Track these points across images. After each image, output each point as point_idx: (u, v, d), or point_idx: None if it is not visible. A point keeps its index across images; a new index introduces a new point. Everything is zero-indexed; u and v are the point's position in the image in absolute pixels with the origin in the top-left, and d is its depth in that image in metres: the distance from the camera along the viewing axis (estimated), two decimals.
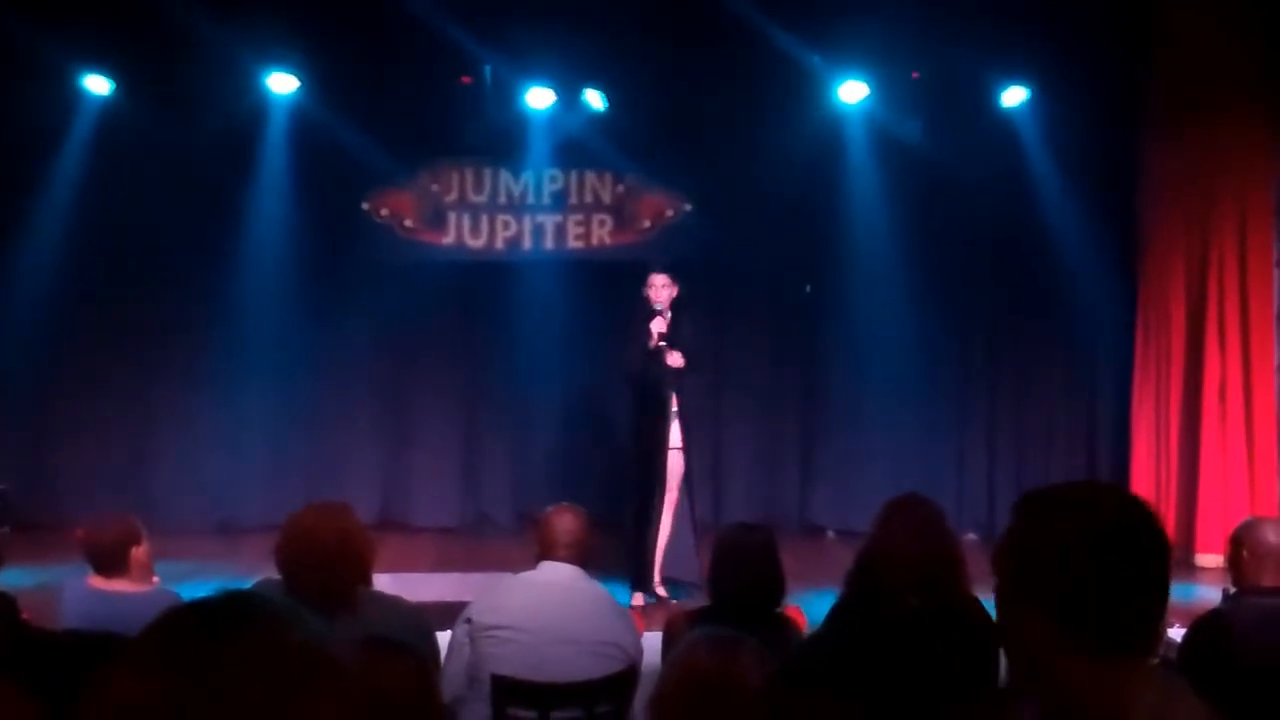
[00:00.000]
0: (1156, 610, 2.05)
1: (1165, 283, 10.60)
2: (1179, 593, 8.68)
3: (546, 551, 4.80)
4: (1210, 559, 9.59)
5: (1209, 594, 7.83)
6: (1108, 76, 10.71)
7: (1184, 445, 10.39)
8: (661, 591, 8.57)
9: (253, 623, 1.29)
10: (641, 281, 8.67)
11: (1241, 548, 4.82)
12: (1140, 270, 10.86)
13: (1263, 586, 4.74)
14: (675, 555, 8.60)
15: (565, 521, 4.83)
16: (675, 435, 8.53)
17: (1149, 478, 10.65)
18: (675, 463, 8.56)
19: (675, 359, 8.42)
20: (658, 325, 8.41)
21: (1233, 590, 4.91)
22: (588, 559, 4.86)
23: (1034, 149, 11.06)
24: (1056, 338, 11.78)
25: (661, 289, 8.51)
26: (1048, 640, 2.00)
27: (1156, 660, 4.50)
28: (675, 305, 8.53)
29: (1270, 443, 10.14)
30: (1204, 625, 4.67)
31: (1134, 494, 2.21)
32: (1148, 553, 2.05)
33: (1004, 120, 11.11)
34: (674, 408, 8.49)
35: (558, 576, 4.74)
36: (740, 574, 4.64)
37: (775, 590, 4.67)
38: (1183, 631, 4.82)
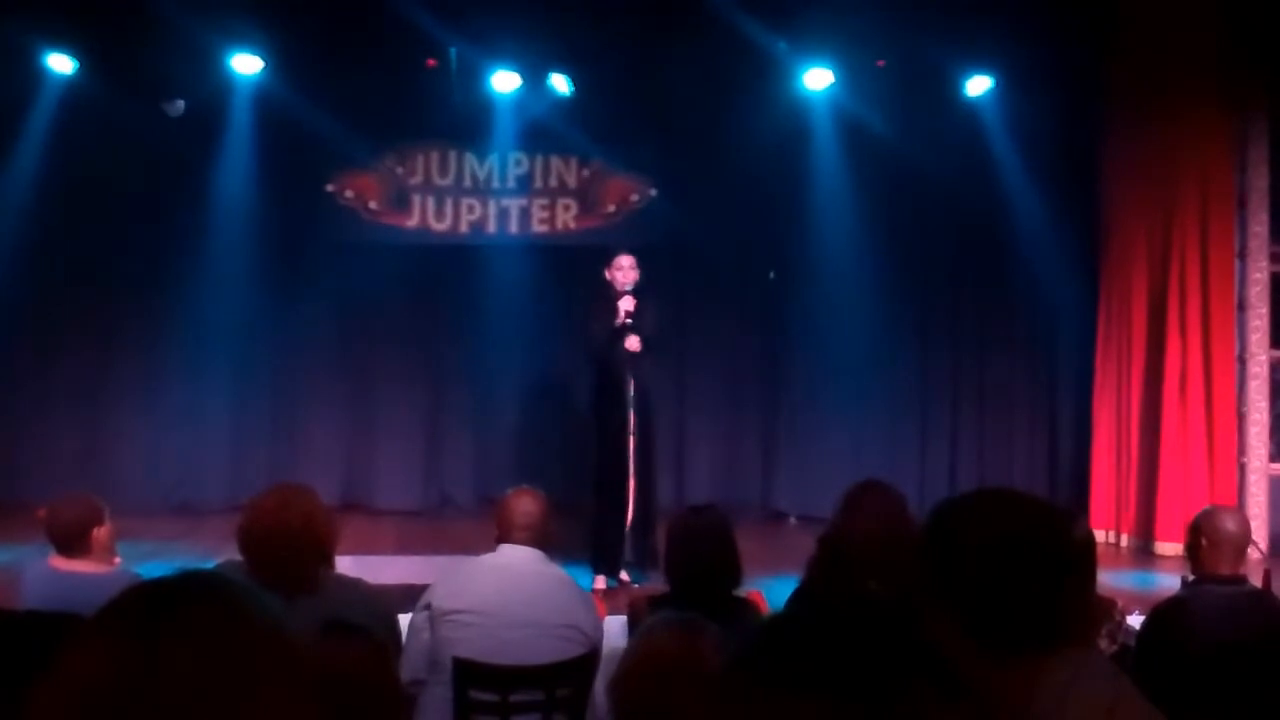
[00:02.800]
0: (1065, 610, 2.11)
1: (1127, 271, 10.66)
2: (1139, 581, 8.80)
3: (505, 534, 4.78)
4: (1170, 547, 9.66)
5: (1168, 582, 7.88)
6: (1071, 66, 10.75)
7: (1145, 433, 10.45)
8: (624, 575, 8.55)
9: (209, 602, 1.29)
10: (605, 264, 8.66)
11: (1200, 536, 4.86)
12: (1102, 258, 10.92)
13: (1221, 575, 4.78)
14: (631, 540, 8.59)
15: (524, 504, 4.81)
16: (631, 420, 8.48)
17: (1109, 465, 10.73)
18: (631, 447, 8.51)
19: (632, 343, 8.39)
20: (626, 304, 8.37)
21: (1191, 578, 4.95)
22: (547, 541, 4.84)
23: (998, 138, 11.12)
24: (1019, 326, 11.86)
25: (629, 270, 8.50)
26: (959, 641, 2.05)
27: (1115, 649, 4.54)
28: (637, 289, 8.52)
29: (1230, 432, 10.24)
30: (1163, 613, 4.71)
31: (1047, 501, 2.28)
32: (1053, 559, 2.13)
33: (968, 109, 11.16)
34: (631, 392, 8.45)
35: (517, 559, 4.73)
36: (694, 558, 4.65)
37: (730, 571, 4.68)
38: (1141, 619, 4.86)
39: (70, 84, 10.72)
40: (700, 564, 4.64)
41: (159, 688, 1.21)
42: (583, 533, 8.59)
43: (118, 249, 11.19)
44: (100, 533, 4.96)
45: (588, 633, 4.67)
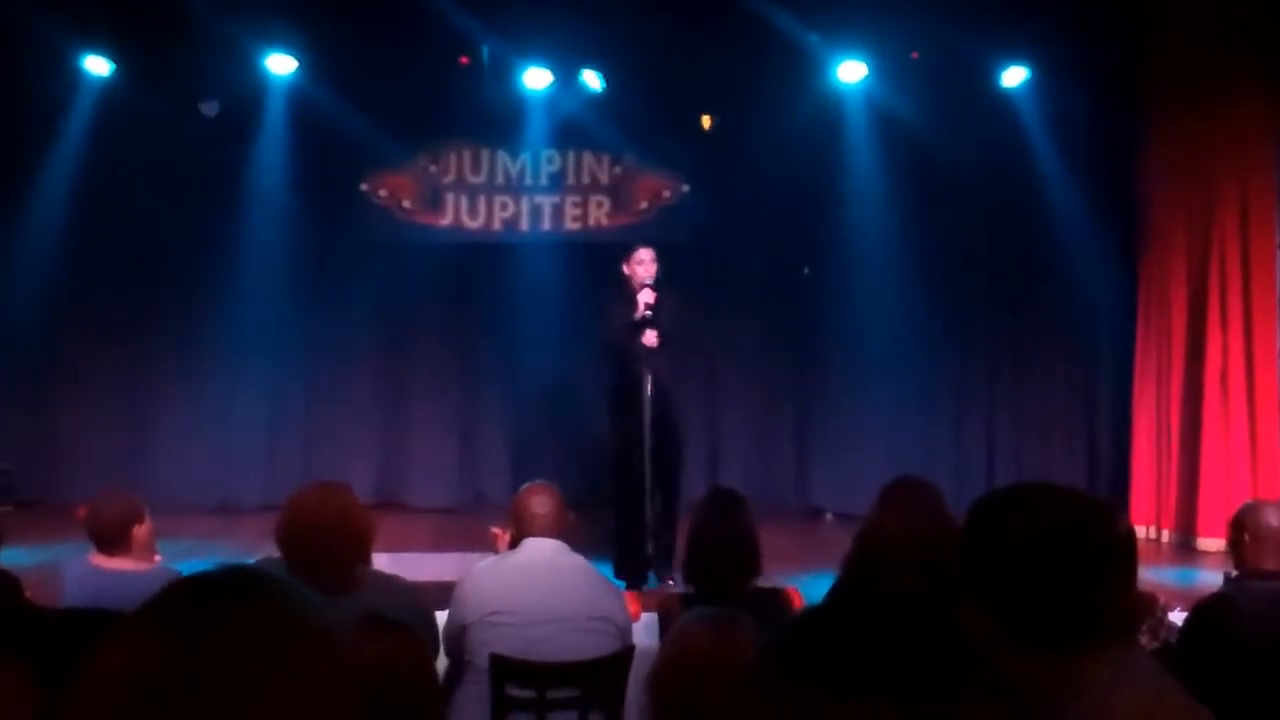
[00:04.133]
0: (1108, 606, 2.09)
1: (1166, 264, 10.57)
2: (1181, 576, 8.74)
3: (525, 530, 4.78)
4: (1212, 542, 9.57)
5: (1211, 578, 7.82)
6: (1108, 57, 10.67)
7: (1185, 428, 10.35)
8: (671, 582, 8.10)
9: (253, 595, 1.29)
10: (624, 258, 8.51)
11: (1243, 531, 4.82)
12: (1141, 252, 10.83)
13: (1264, 570, 4.73)
14: (651, 542, 8.23)
15: (538, 498, 4.82)
16: (647, 419, 8.13)
17: (1150, 460, 10.65)
18: (647, 446, 8.15)
19: (649, 338, 8.16)
20: (646, 297, 8.16)
21: (1234, 574, 4.91)
22: (566, 532, 4.85)
23: (1034, 129, 11.02)
24: (1056, 320, 11.77)
25: (649, 264, 8.32)
26: (998, 638, 2.03)
27: (1157, 645, 4.50)
28: (657, 283, 8.30)
29: (1272, 426, 10.11)
30: (1206, 609, 4.67)
31: (1089, 495, 2.25)
32: (1095, 553, 2.09)
33: (1004, 101, 11.06)
34: (648, 390, 8.13)
35: (541, 553, 4.72)
36: (703, 546, 4.66)
37: (739, 553, 4.66)
38: (1184, 615, 4.82)
39: (107, 86, 10.81)
40: (708, 550, 4.64)
41: (200, 684, 1.21)
42: (609, 532, 8.47)
43: (154, 249, 11.28)
44: (140, 530, 5.00)
45: (618, 623, 4.66)
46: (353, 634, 2.72)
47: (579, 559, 4.83)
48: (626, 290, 8.38)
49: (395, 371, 11.85)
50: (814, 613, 1.52)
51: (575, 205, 11.92)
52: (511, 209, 11.88)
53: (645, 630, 4.88)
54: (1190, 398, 10.34)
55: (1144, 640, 4.52)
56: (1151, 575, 8.23)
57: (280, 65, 10.77)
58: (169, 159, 10.95)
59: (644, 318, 8.19)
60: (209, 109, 10.75)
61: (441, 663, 4.50)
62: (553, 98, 11.22)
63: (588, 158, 11.92)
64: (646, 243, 8.61)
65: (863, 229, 11.35)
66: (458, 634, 4.59)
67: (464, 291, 11.84)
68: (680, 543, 7.96)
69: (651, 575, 8.29)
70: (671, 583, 8.13)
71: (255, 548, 7.92)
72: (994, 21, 10.40)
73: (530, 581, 4.63)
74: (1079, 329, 11.73)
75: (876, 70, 10.88)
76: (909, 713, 1.32)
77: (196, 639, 1.23)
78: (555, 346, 11.37)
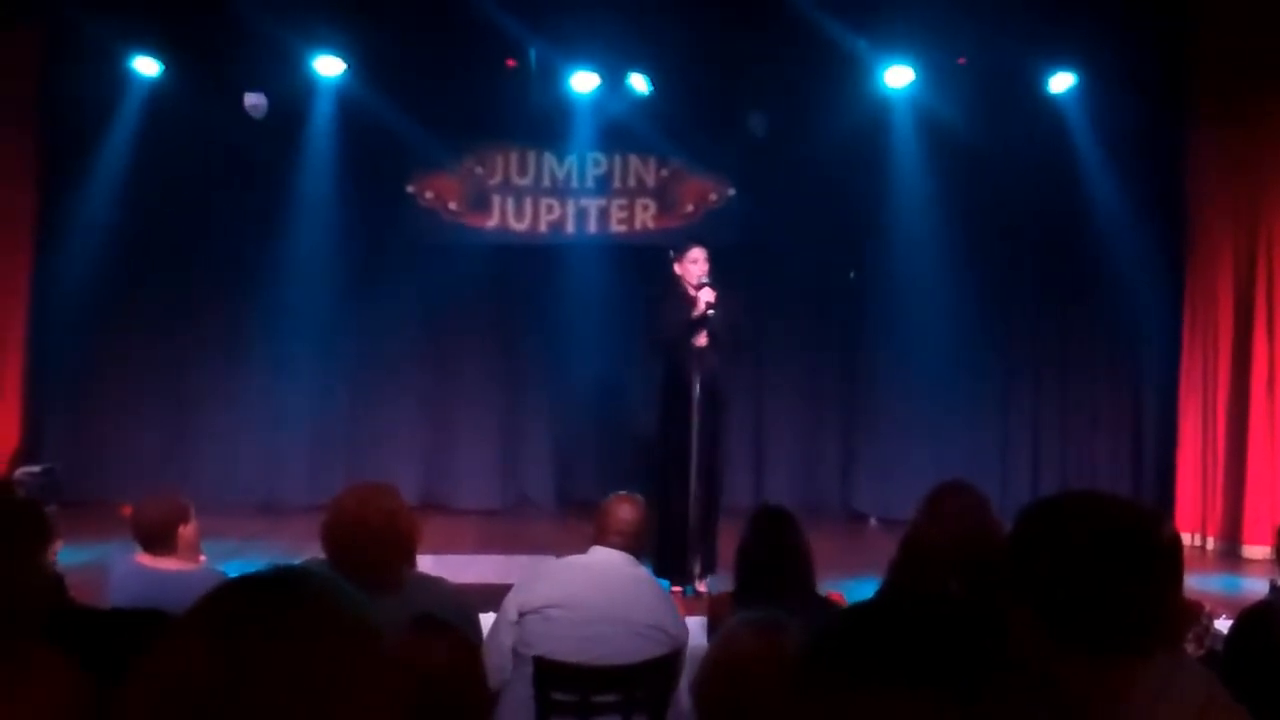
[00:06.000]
0: (1154, 612, 2.08)
1: (1213, 270, 10.49)
2: (1226, 584, 8.64)
3: (601, 537, 4.84)
4: (1257, 550, 9.51)
5: (1256, 585, 7.75)
6: (1155, 62, 10.62)
7: (1231, 435, 10.28)
8: (701, 587, 8.15)
9: (300, 597, 1.30)
10: (675, 258, 8.45)
11: None
12: (1188, 256, 10.77)
13: None
14: (692, 542, 8.20)
15: (624, 510, 4.88)
16: (695, 419, 8.10)
17: (1195, 467, 10.57)
18: (694, 447, 8.10)
19: (700, 338, 8.15)
20: (707, 295, 8.07)
21: None
22: (639, 548, 4.90)
23: (1081, 134, 10.99)
24: (1102, 324, 11.71)
25: (703, 263, 8.27)
26: (1044, 641, 2.03)
27: (1202, 653, 4.46)
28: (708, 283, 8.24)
29: None
30: (1250, 617, 4.61)
31: (1135, 502, 2.25)
32: (1140, 560, 2.09)
33: (1050, 106, 11.05)
34: (696, 390, 8.08)
35: (606, 560, 4.78)
36: (758, 559, 4.68)
37: (800, 565, 4.69)
38: (1229, 623, 4.77)
39: (156, 86, 10.90)
40: (762, 565, 4.67)
41: (249, 684, 1.22)
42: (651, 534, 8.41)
43: (201, 250, 11.35)
44: (186, 530, 5.02)
45: (671, 633, 4.68)
46: (405, 634, 2.74)
47: (643, 570, 4.89)
48: (677, 290, 8.35)
49: (440, 373, 11.89)
50: (852, 612, 1.52)
51: (621, 208, 11.93)
52: (558, 211, 11.90)
53: (694, 633, 4.89)
54: (1236, 405, 10.27)
55: (1189, 648, 4.48)
56: (1197, 583, 8.15)
57: (328, 67, 10.85)
58: (216, 159, 11.05)
59: (702, 315, 8.13)
60: (256, 110, 10.81)
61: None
62: (599, 101, 11.25)
63: (634, 161, 11.93)
64: (699, 242, 8.58)
65: (909, 233, 11.32)
66: (512, 620, 4.60)
67: (509, 293, 11.87)
68: (720, 545, 8.05)
69: (690, 585, 8.27)
70: (705, 587, 8.13)
71: (300, 548, 7.96)
72: (1041, 27, 10.36)
73: (592, 582, 4.68)
74: (1125, 335, 11.66)
75: (923, 75, 10.86)
76: (938, 709, 1.33)
77: (245, 640, 1.24)
78: (600, 349, 11.39)
